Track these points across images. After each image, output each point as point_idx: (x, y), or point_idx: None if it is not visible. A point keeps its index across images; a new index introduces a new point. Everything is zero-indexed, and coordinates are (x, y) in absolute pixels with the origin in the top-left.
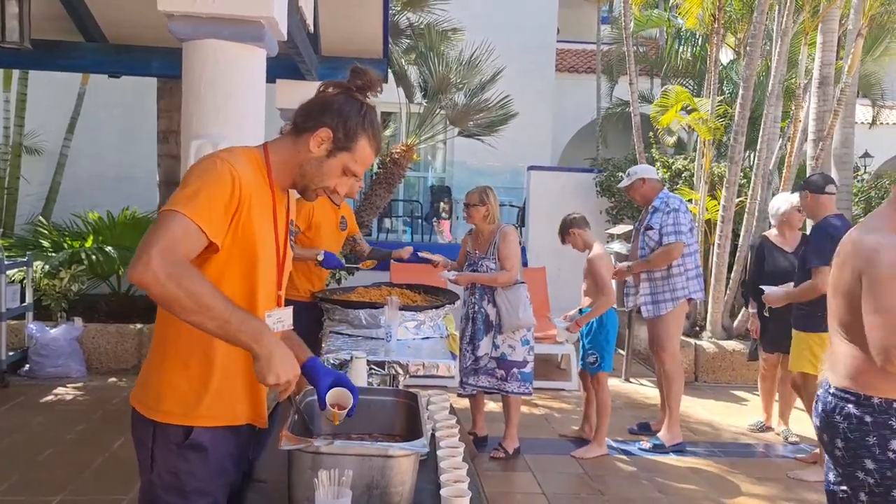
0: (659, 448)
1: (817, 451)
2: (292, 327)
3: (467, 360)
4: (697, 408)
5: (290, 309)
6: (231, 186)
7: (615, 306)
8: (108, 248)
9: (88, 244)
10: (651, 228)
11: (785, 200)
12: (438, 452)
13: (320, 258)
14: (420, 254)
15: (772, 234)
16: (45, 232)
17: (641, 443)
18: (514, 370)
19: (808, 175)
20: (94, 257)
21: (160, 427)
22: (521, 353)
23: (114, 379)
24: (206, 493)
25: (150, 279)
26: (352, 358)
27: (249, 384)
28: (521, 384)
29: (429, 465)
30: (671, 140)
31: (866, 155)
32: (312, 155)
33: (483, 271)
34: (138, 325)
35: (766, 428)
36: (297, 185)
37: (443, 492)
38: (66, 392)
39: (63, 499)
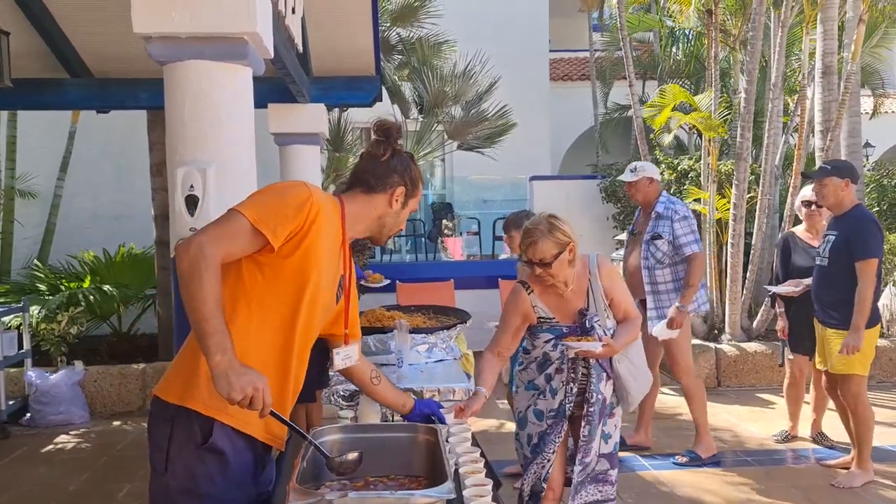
0: (695, 461)
1: (849, 455)
2: (359, 361)
3: (574, 475)
4: (724, 414)
5: (356, 345)
6: (305, 203)
7: None
8: (107, 288)
9: (86, 285)
10: (660, 238)
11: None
12: (465, 493)
13: None
14: (362, 283)
15: (798, 229)
16: (41, 275)
17: (677, 457)
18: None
19: (840, 160)
20: (91, 298)
21: (181, 420)
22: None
23: (118, 422)
24: (222, 501)
25: (181, 257)
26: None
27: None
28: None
29: None
30: (667, 140)
31: (867, 145)
32: (391, 210)
33: (600, 334)
34: (142, 365)
35: (790, 437)
36: (374, 234)
37: None
38: (68, 440)
39: None
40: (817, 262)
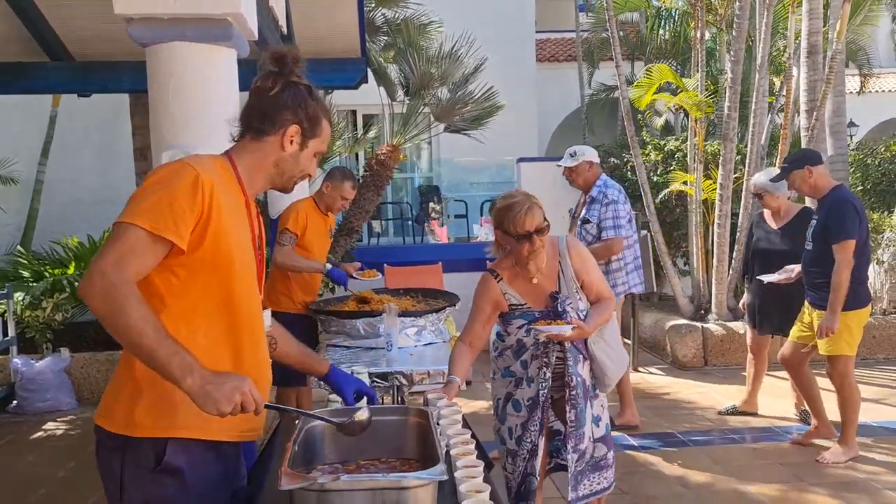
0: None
1: (811, 426)
2: (270, 328)
3: (569, 464)
4: (711, 393)
5: (267, 311)
6: (196, 185)
7: None
8: None
9: (70, 271)
10: (588, 221)
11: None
12: (456, 474)
13: (327, 269)
14: (356, 274)
15: (766, 211)
16: (25, 262)
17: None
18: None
19: (795, 152)
20: (76, 284)
21: (130, 447)
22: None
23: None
24: None
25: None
26: (352, 373)
27: None
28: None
29: (445, 488)
30: (659, 122)
31: (851, 124)
32: (286, 153)
33: (572, 317)
34: None
35: (739, 412)
36: (276, 183)
37: None
38: (56, 427)
39: None
40: (805, 247)
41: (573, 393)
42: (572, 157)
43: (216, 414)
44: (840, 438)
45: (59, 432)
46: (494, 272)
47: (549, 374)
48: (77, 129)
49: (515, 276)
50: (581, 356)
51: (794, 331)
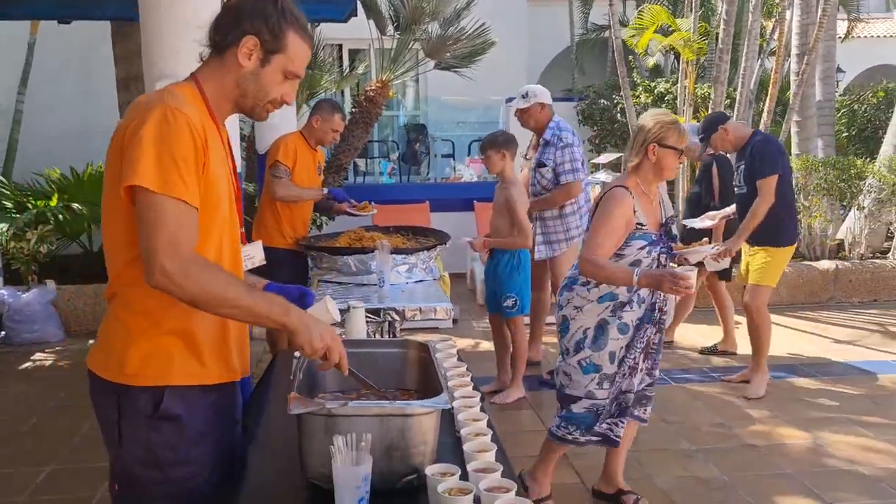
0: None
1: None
2: (264, 262)
3: (638, 385)
4: (692, 334)
5: (258, 243)
6: (194, 141)
7: None
8: (76, 206)
9: (53, 203)
10: (544, 165)
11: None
12: (454, 404)
13: (326, 192)
14: (350, 210)
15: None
16: (7, 192)
17: (545, 375)
18: None
19: (703, 121)
20: (60, 216)
21: (126, 395)
22: None
23: (93, 341)
24: (186, 462)
25: (170, 287)
26: (349, 308)
27: (222, 339)
28: None
29: (444, 417)
30: (651, 62)
31: (838, 70)
32: (245, 69)
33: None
34: None
35: (719, 352)
36: (243, 108)
37: (466, 447)
38: (45, 358)
39: (53, 469)
40: (736, 191)
41: (663, 317)
42: (524, 98)
43: (308, 351)
44: (753, 367)
45: (47, 363)
46: (627, 188)
47: (663, 294)
48: (56, 58)
49: (641, 196)
50: None
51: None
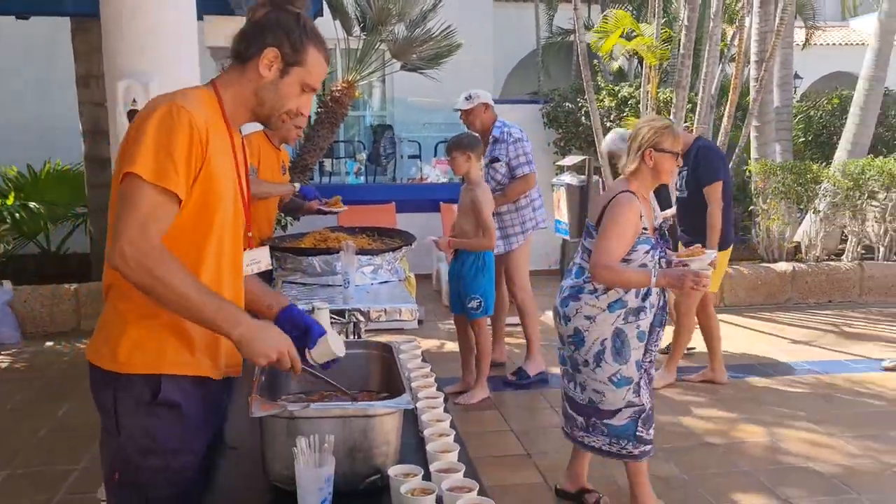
0: (523, 377)
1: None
2: (270, 266)
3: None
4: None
5: (265, 249)
6: (192, 136)
7: None
8: (32, 205)
9: (10, 201)
10: (497, 160)
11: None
12: (418, 404)
13: (297, 187)
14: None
15: None
16: None
17: (509, 376)
18: None
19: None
20: (17, 215)
21: (123, 383)
22: None
23: (51, 343)
24: (186, 451)
25: (124, 269)
26: (313, 309)
27: (213, 335)
28: None
29: (407, 418)
30: (615, 66)
31: (796, 76)
32: (265, 80)
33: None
34: (74, 286)
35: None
36: (259, 117)
37: (429, 447)
38: (1, 360)
39: (10, 473)
40: (677, 196)
41: (665, 317)
42: (468, 100)
43: (254, 362)
44: (711, 366)
45: (3, 366)
46: (633, 193)
47: (666, 297)
48: (14, 55)
49: (642, 200)
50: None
51: None
